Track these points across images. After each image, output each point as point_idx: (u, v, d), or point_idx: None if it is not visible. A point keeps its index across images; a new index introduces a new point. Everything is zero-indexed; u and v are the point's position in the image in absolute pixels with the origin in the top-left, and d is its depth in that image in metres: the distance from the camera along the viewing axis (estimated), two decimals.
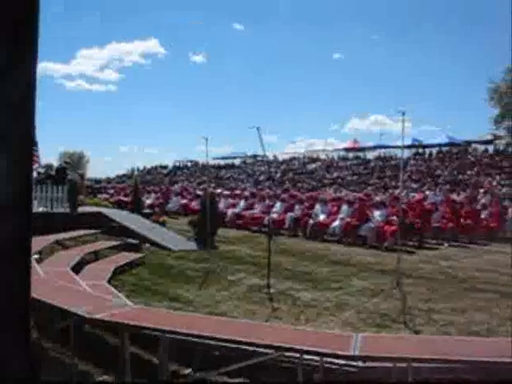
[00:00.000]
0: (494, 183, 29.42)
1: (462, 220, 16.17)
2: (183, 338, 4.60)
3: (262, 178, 44.04)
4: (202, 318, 5.72)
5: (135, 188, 20.83)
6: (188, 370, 4.77)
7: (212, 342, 4.62)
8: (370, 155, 45.00)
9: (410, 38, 73.10)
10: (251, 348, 4.35)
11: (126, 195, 26.27)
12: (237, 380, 4.56)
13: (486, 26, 67.00)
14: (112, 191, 30.04)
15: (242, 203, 20.50)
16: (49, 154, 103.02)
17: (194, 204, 22.78)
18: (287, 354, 4.21)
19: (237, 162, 54.66)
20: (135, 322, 4.60)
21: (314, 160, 48.38)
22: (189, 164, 57.32)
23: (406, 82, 73.84)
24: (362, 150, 46.22)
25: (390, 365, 3.96)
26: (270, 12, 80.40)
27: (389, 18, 75.78)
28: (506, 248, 14.29)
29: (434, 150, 40.71)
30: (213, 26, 78.58)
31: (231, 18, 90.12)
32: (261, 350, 4.28)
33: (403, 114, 8.17)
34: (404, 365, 3.88)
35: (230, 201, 21.58)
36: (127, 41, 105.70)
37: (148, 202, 24.24)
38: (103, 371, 4.65)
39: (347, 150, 47.33)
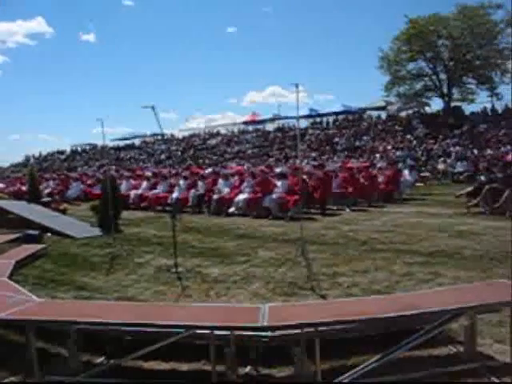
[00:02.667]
0: (389, 147, 30.75)
1: (360, 185, 16.80)
2: (92, 327, 4.53)
3: (163, 156, 43.71)
4: (111, 304, 5.64)
5: (31, 176, 20.00)
6: (101, 359, 4.71)
7: (122, 328, 4.59)
8: (270, 127, 45.69)
9: (302, 10, 74.27)
10: (162, 329, 4.36)
11: (22, 184, 25.24)
12: (151, 362, 4.56)
13: None
14: (7, 182, 28.71)
15: (145, 184, 20.20)
16: None
17: (95, 189, 22.28)
18: (198, 331, 4.26)
19: (137, 142, 53.78)
20: (40, 317, 4.47)
21: (214, 135, 48.49)
22: (87, 147, 55.75)
23: (300, 52, 75.05)
24: (262, 122, 46.72)
25: (298, 331, 4.09)
26: None
27: None
28: (400, 208, 15.14)
29: (331, 119, 41.94)
30: (102, 2, 76.15)
31: None
32: (172, 330, 4.30)
33: (297, 86, 8.34)
34: (312, 329, 4.04)
35: (132, 182, 21.19)
36: (8, 20, 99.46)
37: (47, 190, 23.35)
38: (10, 373, 4.48)
39: (247, 123, 47.67)
